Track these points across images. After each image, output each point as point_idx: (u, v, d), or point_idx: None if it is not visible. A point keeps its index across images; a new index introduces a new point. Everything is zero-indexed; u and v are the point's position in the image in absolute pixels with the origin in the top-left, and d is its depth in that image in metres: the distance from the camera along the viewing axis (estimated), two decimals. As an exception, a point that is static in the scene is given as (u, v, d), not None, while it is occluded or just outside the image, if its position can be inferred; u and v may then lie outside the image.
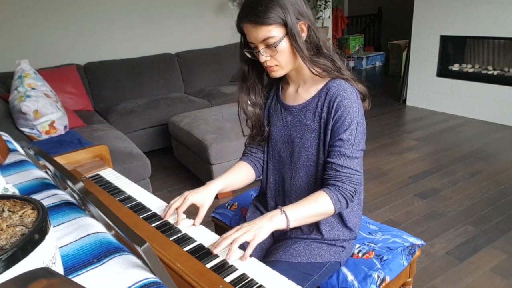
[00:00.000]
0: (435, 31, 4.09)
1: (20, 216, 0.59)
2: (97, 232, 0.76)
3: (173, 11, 4.02)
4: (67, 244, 0.73)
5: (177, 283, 0.73)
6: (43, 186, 1.00)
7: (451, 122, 3.92)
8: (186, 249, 0.95)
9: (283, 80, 1.22)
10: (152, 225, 1.06)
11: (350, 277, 1.16)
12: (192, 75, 3.97)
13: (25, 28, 3.32)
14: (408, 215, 2.33)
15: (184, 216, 1.09)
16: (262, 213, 1.30)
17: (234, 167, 1.28)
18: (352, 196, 1.07)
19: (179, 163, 3.22)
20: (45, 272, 0.47)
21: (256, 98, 1.21)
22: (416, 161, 3.05)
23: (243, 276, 0.85)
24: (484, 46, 3.97)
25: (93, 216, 0.84)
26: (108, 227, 0.79)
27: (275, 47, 1.03)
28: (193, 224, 1.06)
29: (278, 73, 1.10)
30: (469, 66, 4.06)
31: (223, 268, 0.88)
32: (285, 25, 1.01)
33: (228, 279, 0.84)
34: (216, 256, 0.92)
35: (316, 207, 1.03)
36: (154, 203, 1.18)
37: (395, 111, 4.38)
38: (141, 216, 1.09)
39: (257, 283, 0.83)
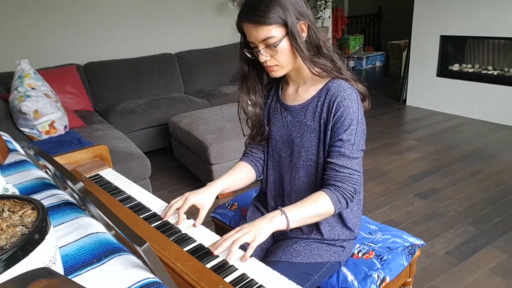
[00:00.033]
0: (435, 31, 4.09)
1: (20, 216, 0.59)
2: (97, 232, 0.76)
3: (173, 11, 4.02)
4: (67, 244, 0.73)
5: (177, 283, 0.73)
6: (43, 186, 1.00)
7: (451, 122, 3.92)
8: (186, 249, 0.95)
9: (283, 80, 1.22)
10: (152, 225, 1.06)
11: (350, 277, 1.16)
12: (192, 75, 3.97)
13: (25, 28, 3.32)
14: (408, 215, 2.33)
15: (185, 216, 1.09)
16: (262, 213, 1.31)
17: (235, 168, 1.28)
18: (352, 196, 1.07)
19: (179, 163, 3.23)
20: (45, 272, 0.47)
21: (256, 98, 1.21)
22: (416, 161, 3.05)
23: (243, 276, 0.85)
24: (484, 46, 3.97)
25: (93, 216, 0.84)
26: (108, 227, 0.79)
27: (275, 47, 1.03)
28: (194, 225, 1.06)
29: (278, 73, 1.10)
30: (469, 66, 4.06)
31: (223, 268, 0.88)
32: (285, 25, 1.01)
33: (228, 279, 0.84)
34: (216, 256, 0.92)
35: (316, 207, 1.03)
36: (154, 203, 1.18)
37: (395, 111, 4.38)
38: (141, 216, 1.09)
39: (257, 283, 0.83)
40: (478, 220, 2.24)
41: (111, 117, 3.22)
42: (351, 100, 1.06)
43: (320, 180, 1.14)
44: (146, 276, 0.64)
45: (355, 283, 1.15)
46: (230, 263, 0.90)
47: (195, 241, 0.98)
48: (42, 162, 1.11)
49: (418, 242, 1.32)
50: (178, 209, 1.10)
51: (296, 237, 1.18)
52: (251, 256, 0.92)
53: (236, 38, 1.16)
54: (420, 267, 1.88)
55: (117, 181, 1.35)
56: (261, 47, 1.04)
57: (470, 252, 1.98)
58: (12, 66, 2.81)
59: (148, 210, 1.14)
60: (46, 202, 0.89)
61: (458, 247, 2.02)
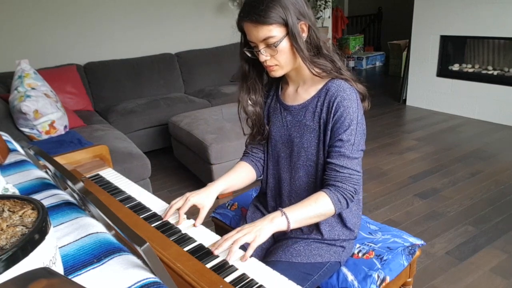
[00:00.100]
0: (435, 31, 4.09)
1: (20, 216, 0.59)
2: (97, 232, 0.76)
3: (173, 11, 4.02)
4: (67, 244, 0.73)
5: (177, 283, 0.73)
6: (43, 186, 1.00)
7: (451, 122, 3.92)
8: (186, 249, 0.95)
9: (283, 80, 1.22)
10: (152, 225, 1.06)
11: (350, 277, 1.16)
12: (192, 75, 3.97)
13: (25, 28, 3.32)
14: (408, 215, 2.33)
15: (185, 216, 1.09)
16: (262, 213, 1.31)
17: (235, 168, 1.28)
18: (352, 196, 1.07)
19: (179, 163, 3.22)
20: (45, 272, 0.47)
21: (256, 97, 1.21)
22: (416, 161, 3.05)
23: (243, 276, 0.85)
24: (484, 46, 3.97)
25: (93, 216, 0.84)
26: (108, 227, 0.79)
27: (275, 47, 1.03)
28: (194, 225, 1.06)
29: (277, 72, 1.10)
30: (469, 66, 4.06)
31: (223, 268, 0.88)
32: (285, 25, 1.01)
33: (228, 279, 0.84)
34: (216, 256, 0.92)
35: (316, 208, 1.03)
36: (154, 203, 1.18)
37: (395, 111, 4.38)
38: (141, 216, 1.09)
39: (257, 283, 0.83)
40: (478, 220, 2.24)
41: (111, 117, 3.22)
42: (351, 100, 1.06)
43: (320, 180, 1.14)
44: (146, 276, 0.64)
45: (355, 283, 1.15)
46: (230, 263, 0.90)
47: (195, 241, 0.98)
48: (42, 162, 1.11)
49: (418, 242, 1.32)
50: (178, 209, 1.10)
51: (296, 237, 1.18)
52: (251, 256, 0.92)
53: (236, 38, 1.16)
54: (420, 267, 1.88)
55: (117, 181, 1.35)
56: (261, 46, 1.04)
57: (470, 252, 1.98)
58: (12, 66, 2.81)
59: (148, 210, 1.15)
60: (46, 202, 0.89)
61: (458, 247, 2.02)
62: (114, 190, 1.27)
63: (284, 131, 1.19)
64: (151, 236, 0.96)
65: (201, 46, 4.13)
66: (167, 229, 1.04)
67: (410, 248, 1.28)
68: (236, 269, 0.87)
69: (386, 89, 5.30)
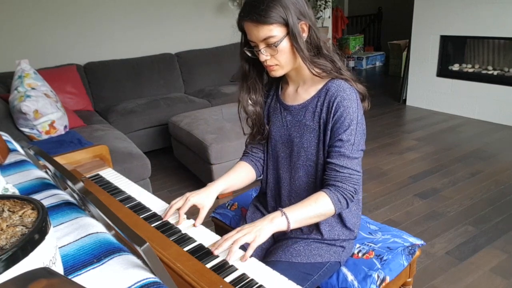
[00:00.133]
0: (435, 31, 4.09)
1: (20, 216, 0.59)
2: (97, 232, 0.76)
3: (173, 11, 4.02)
4: (67, 244, 0.73)
5: (177, 283, 0.73)
6: (43, 186, 1.00)
7: (451, 122, 3.92)
8: (186, 249, 0.95)
9: (283, 80, 1.22)
10: (152, 225, 1.06)
11: (350, 277, 1.16)
12: (192, 75, 3.97)
13: (25, 28, 3.32)
14: (408, 215, 2.33)
15: (185, 216, 1.09)
16: (262, 213, 1.31)
17: (235, 168, 1.28)
18: (353, 196, 1.07)
19: (179, 163, 3.22)
20: (45, 272, 0.47)
21: (256, 97, 1.21)
22: (416, 161, 3.05)
23: (243, 276, 0.85)
24: (484, 46, 3.97)
25: (93, 216, 0.84)
26: (108, 227, 0.79)
27: (275, 47, 1.03)
28: (194, 225, 1.06)
29: (277, 72, 1.10)
30: (469, 66, 4.06)
31: (223, 268, 0.88)
32: (286, 24, 1.01)
33: (228, 279, 0.84)
34: (216, 256, 0.92)
35: (316, 208, 1.03)
36: (154, 203, 1.18)
37: (395, 111, 4.38)
38: (141, 216, 1.09)
39: (257, 283, 0.83)
40: (478, 220, 2.24)
41: (111, 117, 3.22)
42: (351, 100, 1.06)
43: (320, 180, 1.14)
44: (146, 276, 0.64)
45: (355, 283, 1.15)
46: (230, 263, 0.90)
47: (195, 241, 0.98)
48: (42, 162, 1.11)
49: (418, 242, 1.32)
50: (178, 209, 1.10)
51: (296, 237, 1.18)
52: (251, 256, 0.92)
53: (236, 38, 1.16)
54: (420, 267, 1.88)
55: (117, 181, 1.35)
56: (262, 46, 1.04)
57: (470, 252, 1.98)
58: (12, 66, 2.81)
59: (148, 210, 1.15)
60: (46, 202, 0.89)
61: (458, 247, 2.02)
62: (114, 190, 1.27)
63: (284, 131, 1.19)
64: (151, 236, 0.96)
65: (201, 46, 4.13)
66: (167, 229, 1.04)
67: (410, 248, 1.28)
68: (236, 269, 0.87)
69: (386, 89, 5.30)
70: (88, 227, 0.77)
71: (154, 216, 1.11)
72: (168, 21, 4.01)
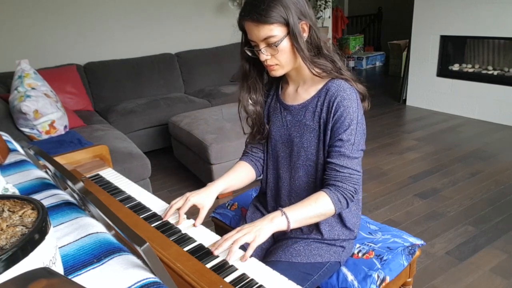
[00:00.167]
0: (435, 31, 4.09)
1: (20, 216, 0.59)
2: (97, 232, 0.76)
3: (173, 11, 4.02)
4: (67, 244, 0.73)
5: (177, 283, 0.73)
6: (43, 186, 1.00)
7: (451, 122, 3.92)
8: (186, 249, 0.95)
9: (283, 80, 1.22)
10: (152, 225, 1.06)
11: (350, 277, 1.16)
12: (192, 75, 3.97)
13: (25, 28, 3.32)
14: (408, 215, 2.33)
15: (185, 216, 1.09)
16: (262, 213, 1.31)
17: (235, 167, 1.28)
18: (353, 196, 1.07)
19: (179, 163, 3.22)
20: (45, 272, 0.47)
21: (257, 96, 1.21)
22: (416, 161, 3.05)
23: (243, 276, 0.85)
24: (484, 46, 3.97)
25: (93, 216, 0.84)
26: (108, 227, 0.79)
27: (276, 46, 1.03)
28: (194, 225, 1.06)
29: (278, 72, 1.10)
30: (469, 66, 4.06)
31: (223, 268, 0.88)
32: (286, 24, 1.01)
33: (228, 279, 0.84)
34: (216, 256, 0.92)
35: (316, 207, 1.03)
36: (154, 203, 1.18)
37: (395, 111, 4.38)
38: (141, 216, 1.09)
39: (257, 283, 0.83)
40: (478, 220, 2.24)
41: (111, 117, 3.22)
42: (351, 100, 1.06)
43: (320, 180, 1.14)
44: (146, 276, 0.64)
45: (355, 283, 1.15)
46: (230, 263, 0.90)
47: (195, 241, 0.98)
48: (42, 162, 1.11)
49: (418, 242, 1.32)
50: (178, 209, 1.10)
51: (296, 237, 1.18)
52: (251, 256, 0.92)
53: (236, 38, 1.16)
54: (420, 267, 1.88)
55: (117, 181, 1.35)
56: (262, 45, 1.04)
57: (470, 252, 1.98)
58: (12, 66, 2.81)
59: (148, 210, 1.14)
60: (46, 202, 0.89)
61: (458, 247, 2.02)
62: (114, 190, 1.27)
63: (284, 130, 1.19)
64: (151, 236, 0.96)
65: (201, 46, 4.13)
66: (167, 229, 1.04)
67: (410, 248, 1.28)
68: (236, 269, 0.87)
69: (386, 89, 5.30)
70: (88, 227, 0.77)
71: (154, 216, 1.11)
72: (168, 21, 4.01)
